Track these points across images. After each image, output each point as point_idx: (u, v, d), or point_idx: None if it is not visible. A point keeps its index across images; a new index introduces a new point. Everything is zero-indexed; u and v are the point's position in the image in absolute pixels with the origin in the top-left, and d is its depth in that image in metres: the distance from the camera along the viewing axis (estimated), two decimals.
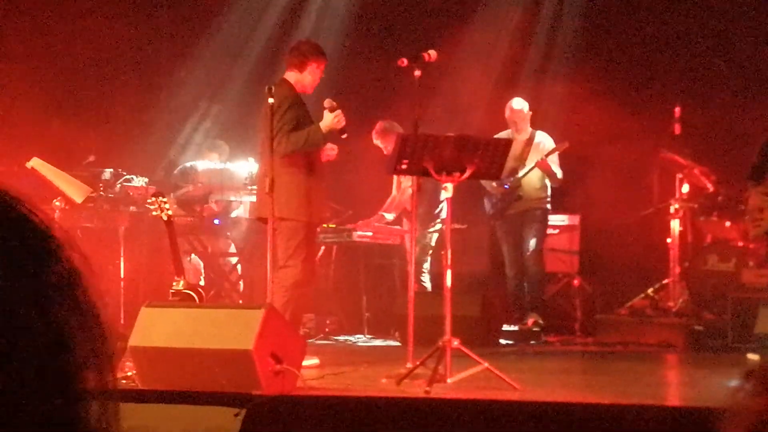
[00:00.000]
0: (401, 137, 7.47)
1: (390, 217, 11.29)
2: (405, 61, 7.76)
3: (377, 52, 12.53)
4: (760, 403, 1.60)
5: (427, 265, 11.21)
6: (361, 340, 10.88)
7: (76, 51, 12.56)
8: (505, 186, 11.05)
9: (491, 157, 7.34)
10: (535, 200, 11.17)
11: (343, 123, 8.09)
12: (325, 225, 10.38)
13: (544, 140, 11.19)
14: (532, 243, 11.16)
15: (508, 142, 7.82)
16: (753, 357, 8.70)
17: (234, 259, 12.10)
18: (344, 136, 8.12)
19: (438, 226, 11.00)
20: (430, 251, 11.20)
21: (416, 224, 8.47)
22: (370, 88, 12.33)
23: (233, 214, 11.96)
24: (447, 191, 7.34)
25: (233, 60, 13.49)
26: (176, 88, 13.43)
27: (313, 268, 8.33)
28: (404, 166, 7.44)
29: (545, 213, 11.29)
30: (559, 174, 11.08)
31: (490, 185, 11.17)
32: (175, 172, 12.07)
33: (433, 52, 7.82)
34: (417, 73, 7.72)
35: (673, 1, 13.02)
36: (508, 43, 13.41)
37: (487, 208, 11.35)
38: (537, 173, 11.08)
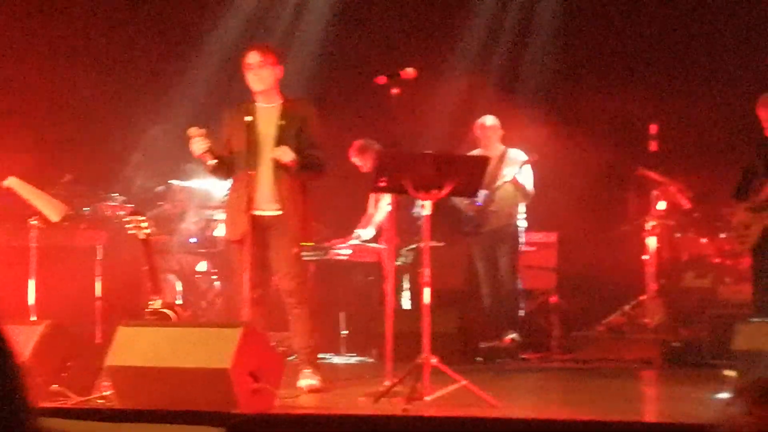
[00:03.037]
0: (379, 155, 7.49)
1: (367, 235, 11.29)
2: (383, 79, 7.76)
3: (355, 70, 12.55)
4: (752, 418, 1.61)
5: (403, 283, 11.22)
6: (339, 358, 10.86)
7: (54, 70, 12.53)
8: (478, 203, 11.07)
9: (469, 174, 7.35)
10: (508, 217, 11.19)
11: (196, 153, 7.95)
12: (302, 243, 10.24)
13: (516, 156, 11.22)
14: (506, 260, 11.17)
15: (486, 160, 7.84)
16: (730, 374, 8.71)
17: (211, 278, 12.06)
18: (209, 162, 7.99)
19: (415, 244, 11.02)
20: (408, 269, 11.22)
21: (394, 242, 8.46)
22: (347, 105, 12.34)
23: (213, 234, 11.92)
24: (425, 209, 7.34)
25: (212, 79, 13.46)
26: (155, 106, 13.39)
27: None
28: (382, 184, 7.43)
29: (518, 230, 11.30)
30: (531, 190, 11.10)
31: (463, 203, 11.18)
32: (150, 194, 12.03)
33: (411, 70, 7.80)
34: (395, 90, 7.72)
35: (648, 17, 13.08)
36: (483, 59, 13.46)
37: (463, 225, 11.35)
38: (509, 190, 11.10)
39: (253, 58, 8.00)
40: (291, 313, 8.01)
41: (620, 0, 13.40)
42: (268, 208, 7.97)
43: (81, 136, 12.42)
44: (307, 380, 7.68)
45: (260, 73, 7.96)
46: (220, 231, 11.75)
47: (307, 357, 7.94)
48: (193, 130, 7.90)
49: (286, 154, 7.81)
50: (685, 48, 12.94)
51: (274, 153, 7.84)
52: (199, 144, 7.86)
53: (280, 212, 7.94)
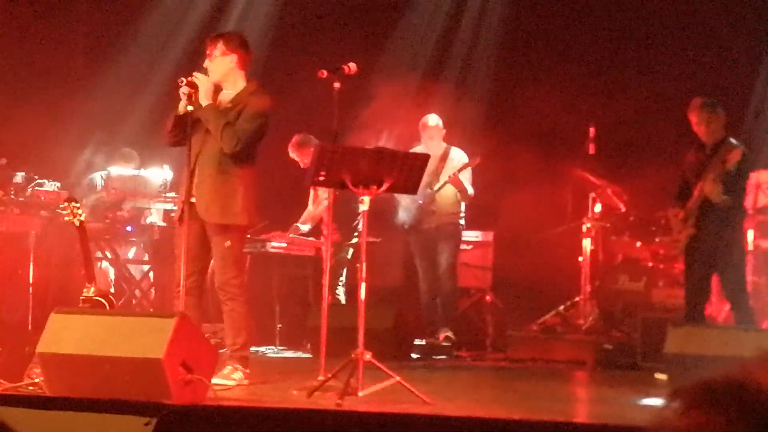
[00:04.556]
0: (319, 149, 7.46)
1: (305, 228, 11.28)
2: (325, 73, 7.74)
3: (295, 64, 12.51)
4: (686, 421, 1.63)
5: (342, 278, 11.22)
6: (273, 351, 10.83)
7: None
8: (419, 201, 11.09)
9: (409, 171, 7.36)
10: (449, 215, 11.22)
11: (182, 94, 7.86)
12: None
13: (458, 156, 11.26)
14: (446, 258, 11.20)
15: (425, 157, 7.83)
16: (661, 377, 8.81)
17: (145, 267, 11.99)
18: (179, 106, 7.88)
19: (354, 239, 11.04)
20: (345, 262, 11.23)
21: (331, 236, 8.44)
22: (287, 100, 12.29)
23: (147, 221, 11.85)
24: (363, 204, 7.35)
25: (150, 65, 13.37)
26: (91, 92, 13.28)
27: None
28: (322, 178, 7.42)
29: (458, 228, 11.34)
30: (470, 191, 11.16)
31: (405, 200, 11.20)
32: (85, 182, 11.94)
33: (353, 65, 7.80)
34: (336, 85, 7.71)
35: (588, 22, 13.18)
36: (426, 58, 13.49)
37: (401, 221, 11.37)
38: (451, 189, 11.14)
39: (207, 50, 7.96)
40: (222, 307, 7.96)
41: (562, 4, 13.48)
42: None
43: (12, 119, 12.27)
44: (221, 380, 7.55)
45: (210, 66, 7.90)
46: (155, 219, 11.70)
47: (232, 354, 7.86)
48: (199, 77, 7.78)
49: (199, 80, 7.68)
50: (623, 53, 13.05)
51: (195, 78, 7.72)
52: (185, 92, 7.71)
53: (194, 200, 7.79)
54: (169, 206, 11.47)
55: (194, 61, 8.18)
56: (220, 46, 7.89)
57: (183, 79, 7.69)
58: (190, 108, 7.64)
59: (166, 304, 10.85)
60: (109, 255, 11.64)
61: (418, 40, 13.55)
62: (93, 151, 12.65)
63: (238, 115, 7.75)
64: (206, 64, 7.90)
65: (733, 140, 9.15)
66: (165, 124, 7.94)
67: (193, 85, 7.66)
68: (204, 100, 7.67)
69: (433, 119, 11.30)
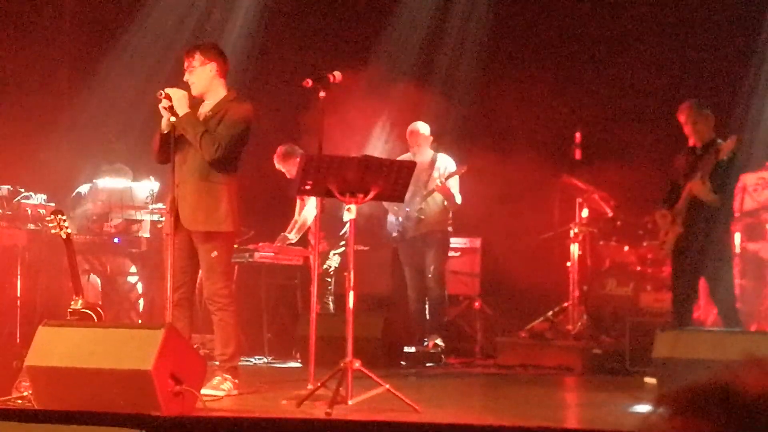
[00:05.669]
0: (305, 158, 7.46)
1: (293, 238, 11.28)
2: (310, 82, 7.74)
3: (280, 74, 12.51)
4: (673, 426, 1.63)
5: (330, 287, 11.22)
6: (262, 361, 10.81)
7: None
8: (406, 209, 11.10)
9: (395, 178, 7.36)
10: (437, 223, 11.23)
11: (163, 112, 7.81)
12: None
13: (446, 163, 11.27)
14: (434, 265, 11.21)
15: (411, 164, 7.83)
16: (650, 381, 8.82)
17: (133, 279, 11.96)
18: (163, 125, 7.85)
19: (342, 248, 11.03)
20: (333, 272, 11.22)
21: (319, 245, 8.44)
22: (272, 110, 12.29)
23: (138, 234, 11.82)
24: (350, 213, 7.34)
25: (139, 78, 13.34)
26: (80, 106, 13.26)
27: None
28: (308, 187, 7.43)
29: (447, 236, 11.35)
30: (458, 198, 11.17)
31: (393, 208, 11.21)
32: (73, 195, 11.91)
33: (338, 73, 7.80)
34: (321, 94, 7.72)
35: (574, 28, 13.20)
36: (411, 66, 13.49)
37: (389, 230, 11.39)
38: (438, 196, 11.15)
39: (185, 64, 7.93)
40: (212, 318, 7.95)
41: (546, 10, 13.51)
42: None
43: (2, 133, 12.27)
44: (211, 391, 7.53)
45: (191, 78, 7.87)
46: (143, 231, 11.67)
47: (221, 365, 7.85)
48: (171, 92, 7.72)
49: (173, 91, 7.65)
50: (608, 58, 13.08)
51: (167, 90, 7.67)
52: (165, 106, 7.68)
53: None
54: (155, 218, 11.44)
55: (179, 73, 8.13)
56: (198, 56, 7.87)
57: (162, 91, 7.67)
58: (173, 119, 7.63)
59: (155, 315, 10.84)
60: (93, 267, 11.59)
61: (403, 47, 13.55)
62: (84, 164, 12.62)
63: (219, 123, 7.75)
64: (186, 77, 7.88)
65: (721, 141, 9.18)
66: (152, 144, 7.92)
67: (169, 98, 7.64)
68: (180, 109, 7.65)
69: (421, 126, 11.32)
